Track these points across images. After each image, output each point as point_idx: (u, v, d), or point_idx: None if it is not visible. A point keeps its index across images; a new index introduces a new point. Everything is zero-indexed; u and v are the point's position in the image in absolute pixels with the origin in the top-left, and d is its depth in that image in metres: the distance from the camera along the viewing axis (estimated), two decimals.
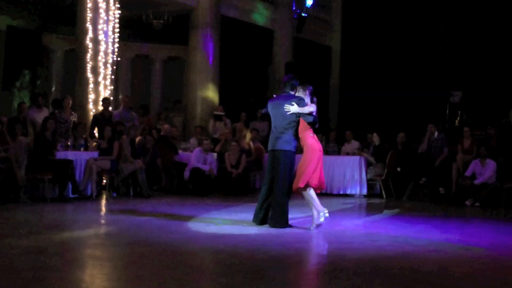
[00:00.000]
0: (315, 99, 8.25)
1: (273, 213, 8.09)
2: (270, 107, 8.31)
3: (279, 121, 8.13)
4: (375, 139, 14.23)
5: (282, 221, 8.07)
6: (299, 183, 7.92)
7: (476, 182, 12.11)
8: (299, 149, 8.33)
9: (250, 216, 9.12)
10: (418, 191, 13.12)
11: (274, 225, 8.05)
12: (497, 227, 9.41)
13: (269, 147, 8.29)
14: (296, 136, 8.16)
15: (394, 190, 13.27)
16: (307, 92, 8.20)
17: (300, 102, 8.01)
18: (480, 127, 14.08)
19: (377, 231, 8.15)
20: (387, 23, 19.22)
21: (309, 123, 8.05)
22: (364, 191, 13.42)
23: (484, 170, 12.16)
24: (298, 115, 8.03)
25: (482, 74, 17.50)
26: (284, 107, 8.03)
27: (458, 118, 15.41)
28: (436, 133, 13.65)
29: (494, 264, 6.28)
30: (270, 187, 8.15)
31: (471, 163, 12.39)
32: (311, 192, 8.03)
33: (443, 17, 18.63)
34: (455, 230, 8.77)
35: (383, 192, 13.35)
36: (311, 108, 8.01)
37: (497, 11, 17.59)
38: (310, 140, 8.10)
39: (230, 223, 8.50)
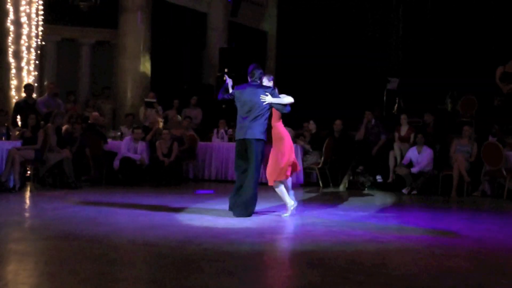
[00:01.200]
0: (276, 88, 8.27)
1: (241, 202, 8.02)
2: (238, 94, 8.18)
3: (251, 110, 8.05)
4: (312, 126, 14.08)
5: (248, 212, 8.02)
6: (280, 176, 8.05)
7: (413, 170, 12.07)
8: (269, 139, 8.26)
9: (183, 205, 8.93)
10: (355, 180, 13.02)
11: (239, 214, 7.98)
12: (433, 215, 9.36)
13: (239, 136, 8.14)
14: (267, 125, 8.14)
15: (331, 178, 13.14)
16: (271, 81, 8.33)
17: (274, 93, 8.07)
18: (417, 114, 14.06)
19: (313, 221, 7.97)
20: (322, 7, 19.07)
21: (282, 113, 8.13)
22: (301, 180, 13.19)
23: (421, 158, 12.11)
24: (270, 105, 8.07)
25: (418, 60, 17.59)
26: (260, 98, 8.00)
27: (396, 105, 15.39)
28: (373, 121, 13.59)
29: (429, 251, 6.17)
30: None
31: (408, 151, 12.34)
32: (282, 187, 8.14)
33: (379, 3, 18.64)
34: (392, 218, 8.67)
35: (320, 181, 13.17)
36: (290, 98, 8.06)
37: None
38: (284, 130, 8.21)
39: (162, 214, 8.17)
